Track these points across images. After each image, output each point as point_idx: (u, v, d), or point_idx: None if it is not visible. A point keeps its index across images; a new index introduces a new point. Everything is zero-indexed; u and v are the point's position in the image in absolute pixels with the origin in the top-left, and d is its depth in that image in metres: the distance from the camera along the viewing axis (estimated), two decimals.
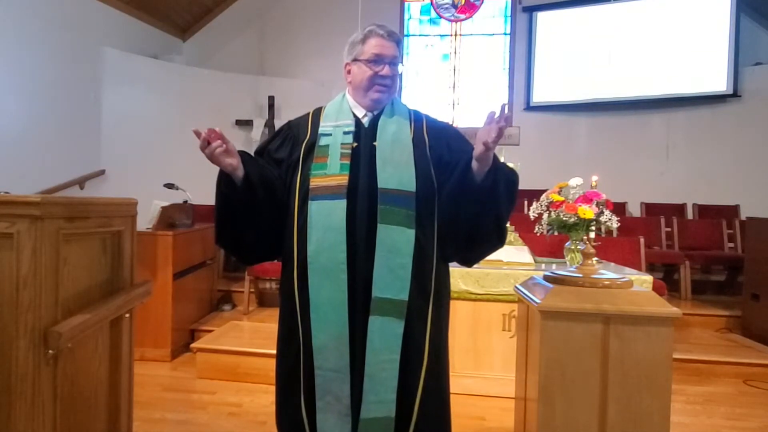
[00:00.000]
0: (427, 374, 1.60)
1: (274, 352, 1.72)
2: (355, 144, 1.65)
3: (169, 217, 4.03)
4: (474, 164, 1.54)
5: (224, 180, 1.58)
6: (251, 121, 7.12)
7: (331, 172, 1.60)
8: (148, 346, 3.71)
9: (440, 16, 7.63)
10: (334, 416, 1.56)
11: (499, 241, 1.69)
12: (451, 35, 7.69)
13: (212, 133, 1.51)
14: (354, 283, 1.55)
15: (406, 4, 7.74)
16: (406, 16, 7.75)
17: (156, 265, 3.77)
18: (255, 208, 1.62)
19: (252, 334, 3.82)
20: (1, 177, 4.42)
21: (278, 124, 7.06)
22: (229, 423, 2.83)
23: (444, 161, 1.68)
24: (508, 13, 7.57)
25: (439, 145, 1.71)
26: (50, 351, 1.26)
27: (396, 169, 1.60)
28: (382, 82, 1.66)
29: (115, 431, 1.66)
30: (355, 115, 1.70)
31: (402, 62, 1.72)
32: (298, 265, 1.60)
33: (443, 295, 1.70)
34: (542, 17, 7.34)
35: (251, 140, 7.00)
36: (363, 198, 1.58)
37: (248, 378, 3.35)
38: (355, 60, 1.69)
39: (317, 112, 1.77)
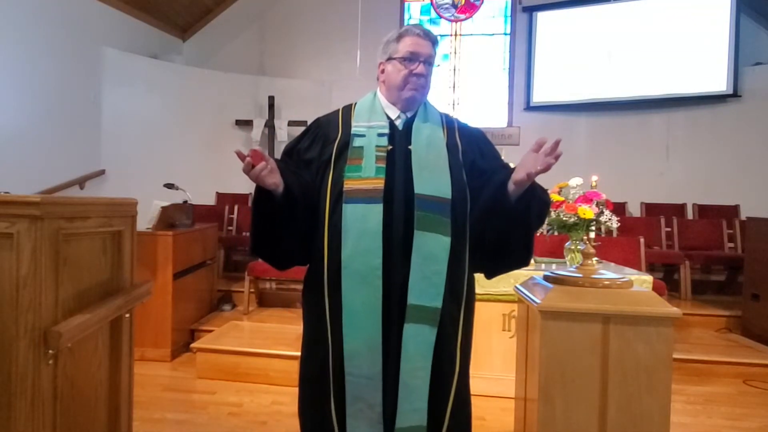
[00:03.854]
0: (458, 381, 1.58)
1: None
2: (390, 147, 1.61)
3: (169, 217, 4.03)
4: (510, 185, 1.53)
5: (264, 197, 1.53)
6: (251, 121, 7.12)
7: (366, 174, 1.56)
8: (148, 346, 3.71)
9: (440, 16, 7.63)
10: (365, 423, 1.52)
11: (525, 259, 1.67)
12: (451, 35, 7.68)
13: (255, 155, 1.44)
14: (388, 290, 1.51)
15: (406, 4, 7.73)
16: (406, 16, 7.74)
17: (156, 265, 3.77)
18: (294, 218, 1.58)
19: (252, 334, 3.82)
20: (1, 177, 4.42)
21: (278, 124, 7.07)
22: (229, 423, 2.83)
23: (477, 167, 1.67)
24: (508, 13, 7.56)
25: (471, 150, 1.70)
26: (50, 351, 1.25)
27: (432, 174, 1.58)
28: (416, 81, 1.63)
29: (115, 431, 1.66)
30: (388, 117, 1.67)
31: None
32: (329, 269, 1.55)
33: (471, 300, 1.68)
34: (542, 17, 7.33)
35: (251, 140, 7.00)
36: (399, 203, 1.55)
37: (248, 378, 3.34)
38: (389, 59, 1.66)
39: (347, 110, 1.73)
